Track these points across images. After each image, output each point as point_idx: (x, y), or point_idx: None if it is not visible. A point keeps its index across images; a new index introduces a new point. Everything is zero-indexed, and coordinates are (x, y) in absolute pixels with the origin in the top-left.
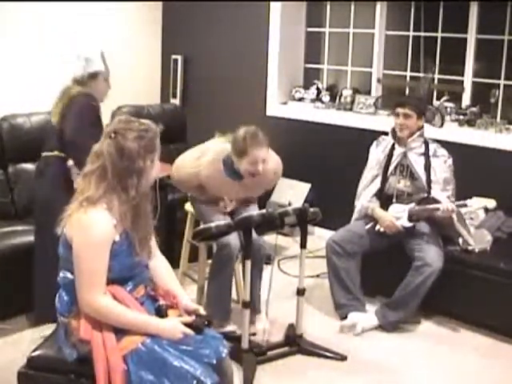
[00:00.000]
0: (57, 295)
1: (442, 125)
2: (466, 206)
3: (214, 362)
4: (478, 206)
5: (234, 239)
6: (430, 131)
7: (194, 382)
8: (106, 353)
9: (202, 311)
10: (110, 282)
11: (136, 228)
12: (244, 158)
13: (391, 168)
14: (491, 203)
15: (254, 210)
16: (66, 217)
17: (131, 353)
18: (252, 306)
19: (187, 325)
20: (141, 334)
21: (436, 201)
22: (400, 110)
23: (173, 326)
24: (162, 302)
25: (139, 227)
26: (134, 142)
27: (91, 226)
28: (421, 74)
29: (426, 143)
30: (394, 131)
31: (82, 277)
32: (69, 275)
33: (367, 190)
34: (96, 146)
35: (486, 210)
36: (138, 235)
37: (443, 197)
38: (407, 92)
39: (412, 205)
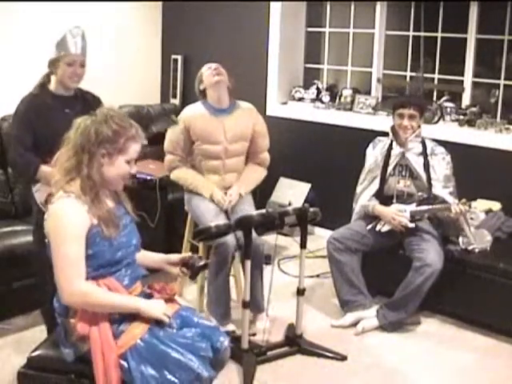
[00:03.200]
0: (55, 298)
1: (437, 121)
2: (470, 207)
3: (211, 355)
4: (482, 208)
5: (230, 238)
6: (431, 131)
7: (193, 374)
8: (103, 348)
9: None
10: (101, 268)
11: (95, 209)
12: (203, 77)
13: (390, 169)
14: (496, 206)
15: (250, 206)
16: None
17: (130, 349)
18: (255, 304)
19: (186, 264)
20: (140, 328)
21: (437, 198)
22: (405, 111)
23: (159, 304)
24: (157, 296)
25: (99, 210)
26: (97, 125)
27: (62, 215)
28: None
29: (423, 142)
30: (393, 130)
31: (58, 267)
32: None
33: (366, 191)
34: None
35: (491, 211)
36: (100, 216)
37: (445, 194)
38: (406, 92)
39: (413, 205)
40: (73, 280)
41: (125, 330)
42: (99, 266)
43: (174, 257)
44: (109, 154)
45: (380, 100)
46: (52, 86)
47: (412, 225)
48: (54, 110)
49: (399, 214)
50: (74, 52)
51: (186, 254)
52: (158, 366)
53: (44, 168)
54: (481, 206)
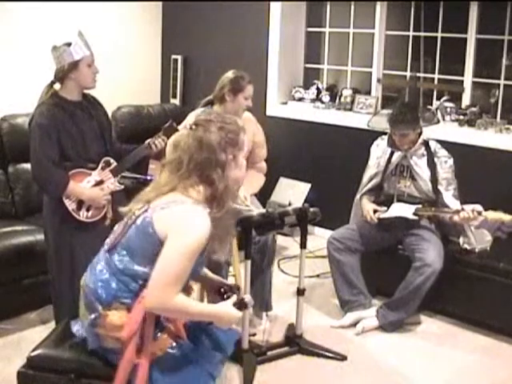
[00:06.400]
0: (99, 280)
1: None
2: (481, 214)
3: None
4: (492, 218)
5: None
6: (431, 131)
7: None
8: (138, 359)
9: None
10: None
11: (214, 226)
12: (240, 94)
13: (391, 168)
14: (507, 217)
15: (258, 207)
16: (144, 206)
17: (156, 360)
18: (263, 302)
19: (239, 301)
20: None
21: (439, 200)
22: (396, 132)
23: (228, 312)
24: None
25: (216, 228)
26: (214, 133)
27: (197, 230)
28: (421, 74)
29: (426, 143)
30: (391, 139)
31: (167, 276)
32: (136, 267)
33: (366, 187)
34: (175, 137)
35: (502, 223)
36: (218, 234)
37: (453, 202)
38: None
39: (419, 206)
40: (173, 294)
41: (156, 338)
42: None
43: (215, 282)
44: (234, 156)
45: (380, 101)
46: (67, 93)
47: (415, 217)
48: (78, 116)
49: (371, 213)
50: (89, 53)
51: (228, 283)
52: (176, 379)
53: (72, 185)
54: (492, 216)
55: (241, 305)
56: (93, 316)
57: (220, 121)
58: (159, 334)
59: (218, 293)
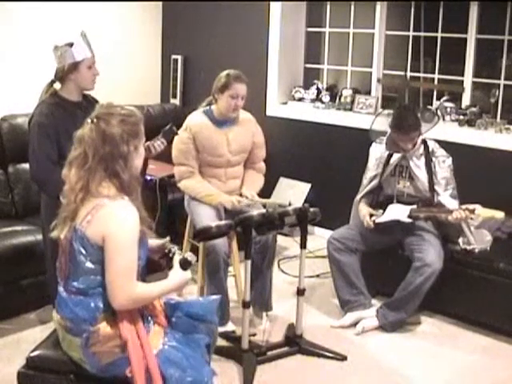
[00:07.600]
0: (74, 305)
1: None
2: (473, 213)
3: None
4: (485, 216)
5: (219, 244)
6: (431, 131)
7: (206, 364)
8: (145, 354)
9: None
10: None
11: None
12: (225, 92)
13: (390, 168)
14: (499, 214)
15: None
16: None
17: (157, 355)
18: (263, 302)
19: (183, 261)
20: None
21: (442, 206)
22: (403, 138)
23: (180, 278)
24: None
25: (141, 211)
26: (115, 126)
27: (127, 218)
28: (421, 74)
29: (424, 142)
30: (389, 143)
31: (120, 272)
32: (97, 276)
33: (366, 188)
34: (78, 132)
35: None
36: (143, 218)
37: (446, 196)
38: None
39: (414, 206)
40: (131, 283)
41: (148, 336)
42: (142, 267)
43: (154, 243)
44: (136, 147)
45: (380, 101)
46: (67, 93)
47: (409, 220)
48: (77, 117)
49: (367, 218)
50: (90, 55)
51: (164, 241)
52: (182, 367)
53: None
54: (484, 213)
55: (185, 263)
56: (84, 336)
57: (120, 114)
58: (151, 326)
59: (163, 256)
